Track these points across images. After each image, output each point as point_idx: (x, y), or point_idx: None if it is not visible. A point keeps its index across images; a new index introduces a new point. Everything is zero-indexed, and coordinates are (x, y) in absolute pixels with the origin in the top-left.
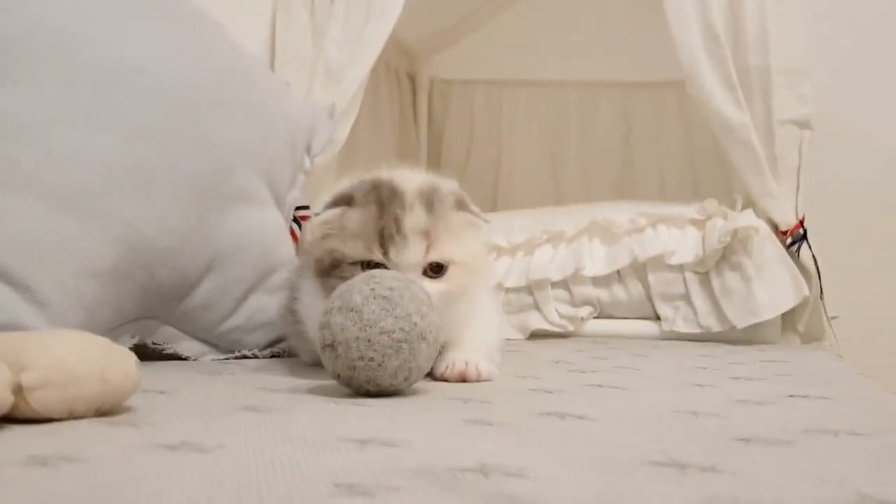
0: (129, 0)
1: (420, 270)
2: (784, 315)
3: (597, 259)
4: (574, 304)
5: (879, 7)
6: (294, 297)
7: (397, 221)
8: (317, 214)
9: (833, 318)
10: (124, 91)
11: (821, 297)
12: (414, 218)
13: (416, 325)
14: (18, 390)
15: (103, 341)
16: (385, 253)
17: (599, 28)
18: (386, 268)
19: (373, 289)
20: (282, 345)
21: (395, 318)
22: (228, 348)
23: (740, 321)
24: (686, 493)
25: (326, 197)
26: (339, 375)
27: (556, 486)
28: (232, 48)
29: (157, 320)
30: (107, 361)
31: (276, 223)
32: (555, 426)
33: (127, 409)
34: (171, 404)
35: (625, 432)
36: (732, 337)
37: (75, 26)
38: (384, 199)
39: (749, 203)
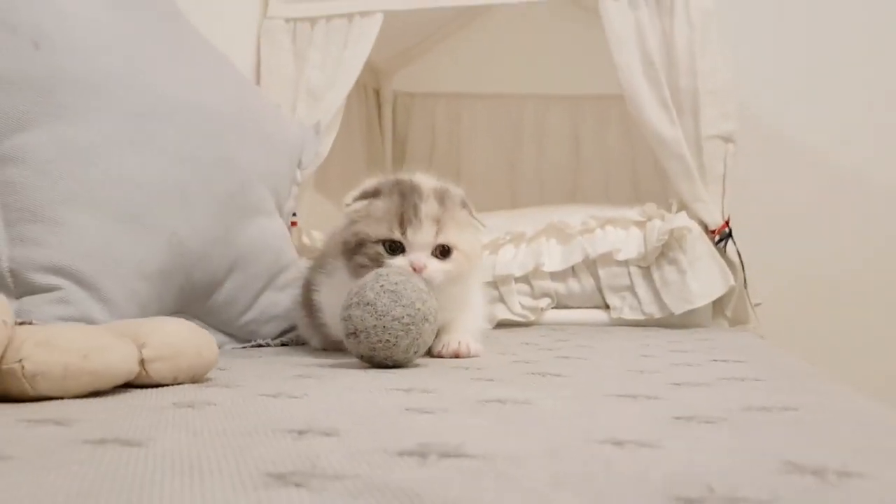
0: (166, 45)
1: (429, 250)
2: (714, 302)
3: (554, 256)
4: (534, 296)
5: (798, 32)
6: (313, 289)
7: (415, 208)
8: (347, 205)
9: (756, 304)
10: (167, 121)
11: (745, 287)
12: (429, 207)
13: (419, 310)
14: (141, 362)
15: (194, 325)
16: (403, 233)
17: (550, 46)
18: (402, 247)
19: (382, 285)
20: (290, 334)
21: (403, 306)
22: (245, 338)
23: (677, 308)
24: (639, 409)
25: (354, 192)
26: (362, 356)
27: (553, 408)
28: (241, 80)
29: (188, 314)
30: (199, 340)
31: (281, 230)
32: (540, 380)
33: (209, 379)
34: (241, 375)
35: (593, 381)
36: (671, 322)
37: (127, 69)
38: (405, 192)
39: (682, 206)
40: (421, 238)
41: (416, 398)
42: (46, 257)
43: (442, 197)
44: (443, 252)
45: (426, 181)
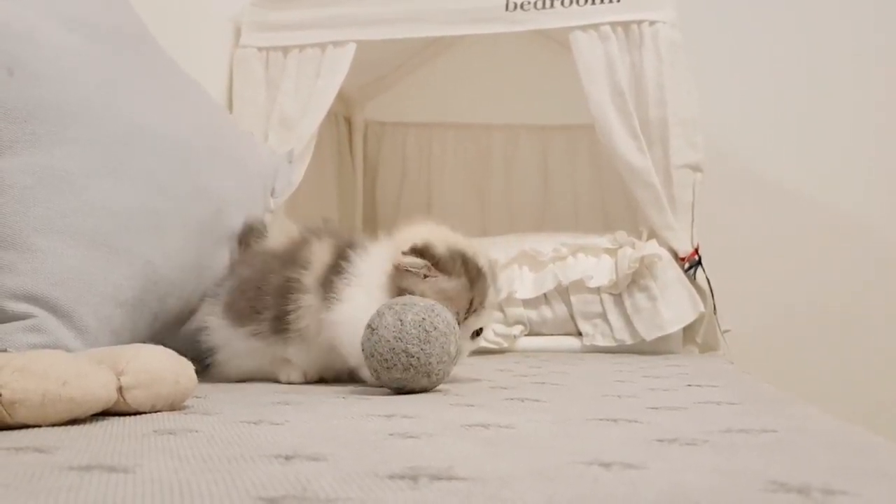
0: (139, 73)
1: None
2: (685, 329)
3: (526, 284)
4: (507, 323)
5: (762, 65)
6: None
7: None
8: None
9: (726, 331)
10: (141, 149)
11: (714, 313)
12: None
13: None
14: (119, 389)
15: (172, 352)
16: None
17: (520, 76)
18: None
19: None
20: None
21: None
22: None
23: (648, 334)
24: (621, 432)
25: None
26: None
27: (536, 432)
28: (215, 107)
29: (161, 342)
30: (177, 367)
31: None
32: (519, 405)
33: (187, 406)
34: (218, 402)
35: (572, 405)
36: (642, 349)
37: (102, 96)
38: None
39: (652, 234)
40: None
41: (398, 423)
42: (19, 285)
43: None
44: None
45: None
